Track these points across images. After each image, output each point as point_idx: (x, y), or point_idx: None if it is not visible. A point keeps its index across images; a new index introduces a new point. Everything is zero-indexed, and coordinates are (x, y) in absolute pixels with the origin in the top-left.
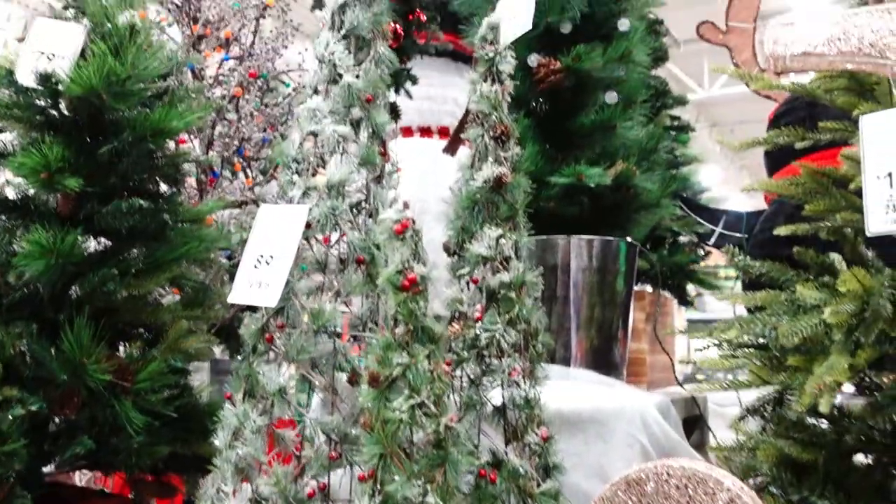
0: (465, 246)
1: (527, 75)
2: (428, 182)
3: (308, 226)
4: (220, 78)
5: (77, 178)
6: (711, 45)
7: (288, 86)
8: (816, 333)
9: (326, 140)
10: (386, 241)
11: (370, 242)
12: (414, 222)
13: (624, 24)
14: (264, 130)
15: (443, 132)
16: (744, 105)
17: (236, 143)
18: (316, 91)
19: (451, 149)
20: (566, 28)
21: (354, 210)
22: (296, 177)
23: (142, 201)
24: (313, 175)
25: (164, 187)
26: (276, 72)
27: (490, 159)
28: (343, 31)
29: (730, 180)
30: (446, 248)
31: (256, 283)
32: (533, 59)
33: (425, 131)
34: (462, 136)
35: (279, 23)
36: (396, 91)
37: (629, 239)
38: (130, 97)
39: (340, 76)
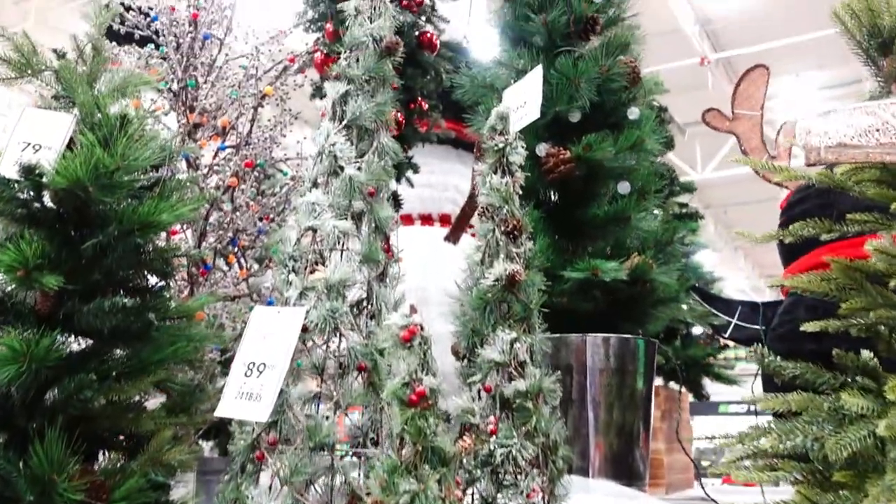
0: (475, 350)
1: (535, 165)
2: (429, 271)
3: (305, 329)
4: (216, 167)
5: (57, 275)
6: (715, 130)
7: (286, 174)
8: (867, 447)
9: (326, 236)
10: (391, 348)
11: (373, 348)
12: (423, 328)
13: (634, 113)
14: (260, 220)
15: (444, 220)
16: (736, 187)
17: (230, 234)
18: (315, 184)
19: (453, 237)
20: (575, 117)
21: (355, 310)
22: (292, 276)
23: (126, 300)
24: (311, 273)
25: (152, 280)
26: (273, 160)
27: (501, 256)
28: (345, 122)
29: (725, 261)
30: (455, 352)
31: (247, 395)
32: (542, 149)
33: (426, 219)
34: (464, 223)
35: (278, 111)
36: (398, 180)
37: (644, 336)
38: (118, 189)
39: (342, 168)
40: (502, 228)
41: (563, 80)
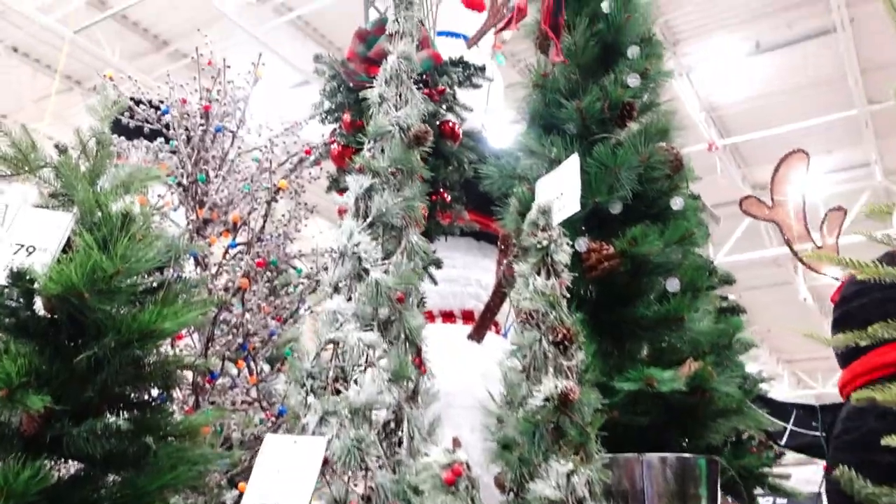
0: (524, 483)
1: (575, 261)
2: (454, 374)
3: (325, 462)
4: (225, 266)
5: (44, 393)
6: (754, 218)
7: (299, 272)
8: None
9: (350, 350)
10: (430, 490)
11: (405, 485)
12: (468, 468)
13: (678, 203)
14: (272, 320)
15: (466, 316)
16: (748, 271)
17: (240, 339)
18: (336, 289)
19: (476, 335)
20: (616, 208)
21: (382, 435)
22: (311, 398)
23: (121, 420)
24: (335, 394)
25: (153, 392)
26: (287, 256)
27: (550, 370)
28: (370, 218)
29: (755, 358)
30: (500, 485)
31: None
32: (582, 244)
33: (447, 316)
34: (489, 320)
35: (291, 204)
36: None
37: (704, 453)
38: (117, 295)
39: (367, 271)
40: (550, 338)
41: (602, 168)
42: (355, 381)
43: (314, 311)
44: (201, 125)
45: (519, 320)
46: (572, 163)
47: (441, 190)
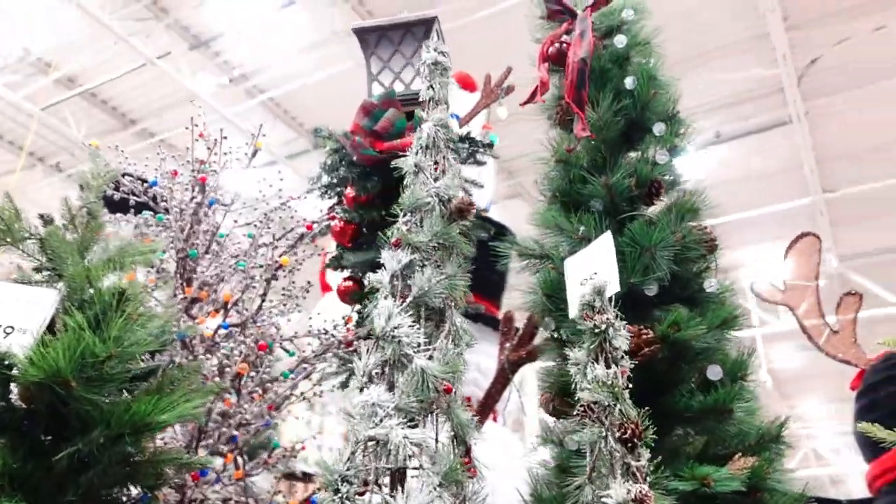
0: None
1: None
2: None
3: None
4: (213, 348)
5: (17, 499)
6: (766, 302)
7: (291, 354)
8: None
9: (393, 450)
10: None
11: None
12: None
13: (712, 285)
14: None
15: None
16: None
17: (234, 431)
18: (370, 378)
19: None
20: (652, 290)
21: None
22: None
23: None
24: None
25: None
26: (280, 339)
27: (618, 472)
28: (410, 298)
29: None
30: None
31: None
32: None
33: None
34: (491, 408)
35: (279, 284)
36: None
37: None
38: (108, 383)
39: (409, 358)
40: (617, 435)
41: (636, 248)
42: (399, 486)
43: (307, 399)
44: (194, 198)
45: (575, 413)
46: (606, 240)
47: None
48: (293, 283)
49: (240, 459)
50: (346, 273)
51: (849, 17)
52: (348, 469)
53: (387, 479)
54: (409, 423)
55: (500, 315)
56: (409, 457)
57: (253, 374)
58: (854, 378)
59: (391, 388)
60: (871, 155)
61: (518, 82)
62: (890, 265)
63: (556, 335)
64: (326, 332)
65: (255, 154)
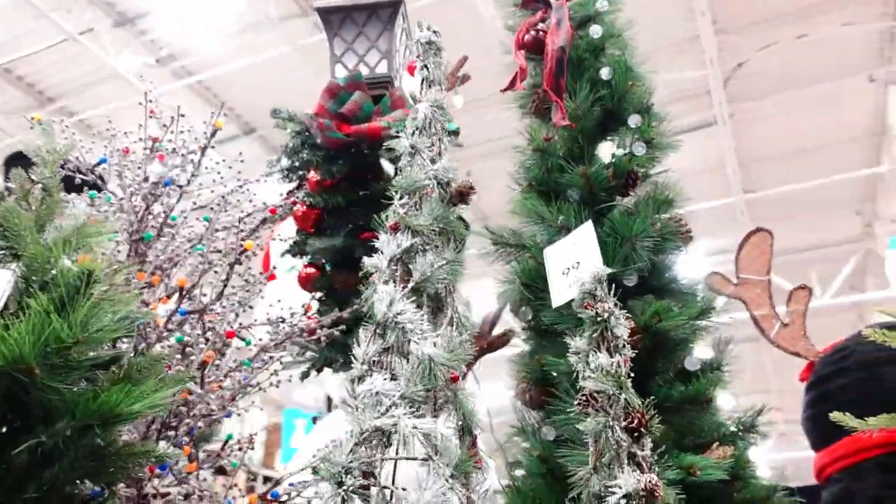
0: None
1: None
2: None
3: None
4: (166, 335)
5: None
6: (719, 295)
7: (248, 343)
8: None
9: (402, 441)
10: None
11: None
12: None
13: (685, 278)
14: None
15: None
16: None
17: (198, 422)
18: (370, 367)
19: None
20: (632, 281)
21: None
22: (355, 499)
23: None
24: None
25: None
26: (241, 328)
27: (625, 462)
28: (411, 284)
29: None
30: None
31: None
32: None
33: None
34: None
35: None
36: None
37: None
38: (74, 371)
39: (414, 346)
40: (623, 424)
41: (616, 238)
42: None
43: (264, 389)
44: (147, 177)
45: (577, 402)
46: (587, 230)
47: None
48: (250, 268)
49: (195, 452)
50: (304, 259)
51: (775, 23)
52: (351, 461)
53: (389, 471)
54: (417, 414)
55: None
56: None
57: (218, 362)
58: (803, 370)
59: (394, 376)
60: (791, 158)
61: (476, 71)
62: (805, 264)
63: (532, 324)
64: (283, 321)
65: (215, 134)
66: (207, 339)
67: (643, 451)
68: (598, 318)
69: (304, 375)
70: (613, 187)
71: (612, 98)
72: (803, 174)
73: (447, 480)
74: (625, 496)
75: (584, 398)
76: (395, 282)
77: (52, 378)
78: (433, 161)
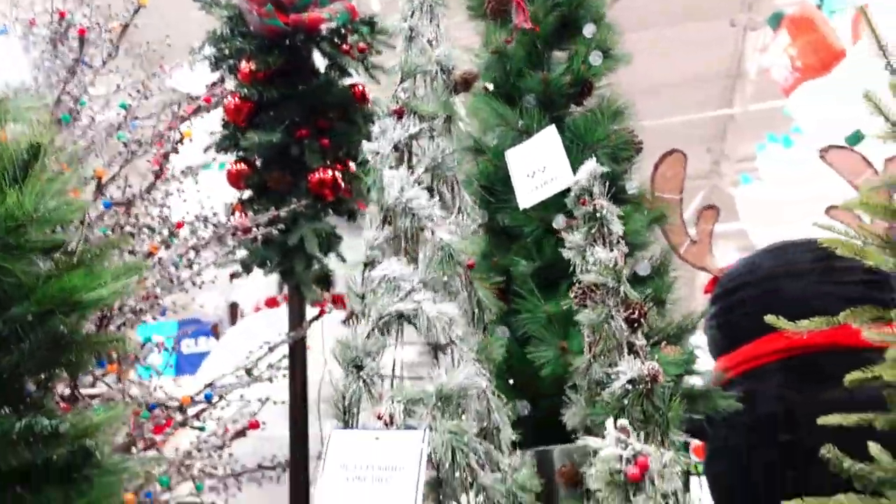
0: None
1: (547, 243)
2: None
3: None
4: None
5: None
6: None
7: (172, 240)
8: None
9: (425, 325)
10: (608, 490)
11: (514, 486)
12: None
13: (633, 187)
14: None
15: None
16: None
17: (149, 317)
18: (382, 253)
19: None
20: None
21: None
22: (380, 383)
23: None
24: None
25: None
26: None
27: (625, 351)
28: (422, 169)
29: None
30: (567, 475)
31: None
32: (560, 221)
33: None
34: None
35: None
36: (326, 253)
37: None
38: (30, 252)
39: (431, 232)
40: (624, 315)
41: (578, 144)
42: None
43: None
44: (70, 51)
45: (574, 295)
46: (551, 134)
47: (347, 160)
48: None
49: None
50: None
51: None
52: (370, 347)
53: (404, 357)
54: (437, 300)
55: None
56: (445, 330)
57: (163, 254)
58: (708, 283)
59: (408, 262)
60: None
61: None
62: None
63: (491, 225)
64: (206, 220)
65: (137, 11)
66: (152, 229)
67: (640, 341)
68: (596, 215)
69: (247, 270)
70: (570, 95)
71: (570, 4)
72: (662, 109)
73: (475, 364)
74: (629, 381)
75: (580, 291)
76: (405, 165)
77: (6, 258)
78: (433, 46)
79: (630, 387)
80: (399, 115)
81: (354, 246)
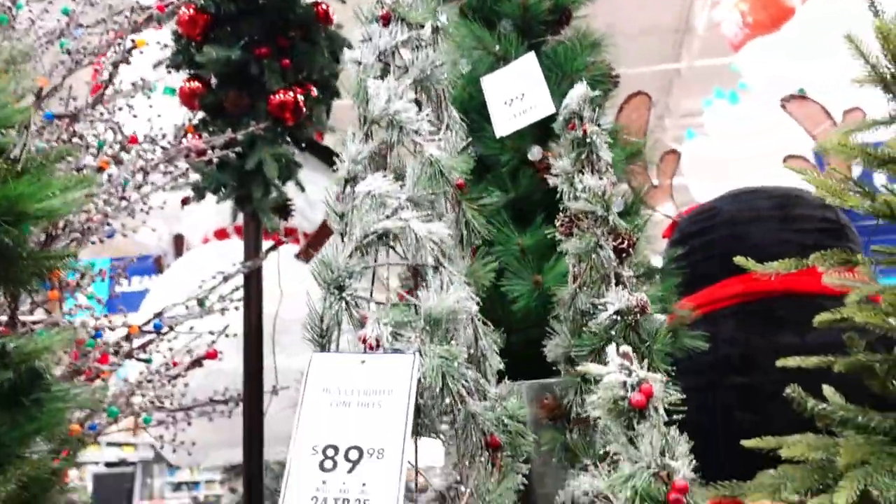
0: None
1: (523, 174)
2: (293, 298)
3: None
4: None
5: None
6: None
7: (101, 145)
8: None
9: (412, 245)
10: (610, 417)
11: (503, 413)
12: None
13: (607, 122)
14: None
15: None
16: None
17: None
18: (364, 169)
19: (305, 254)
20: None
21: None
22: (369, 304)
23: None
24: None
25: None
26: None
27: (612, 281)
28: (409, 80)
29: None
30: (549, 408)
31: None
32: (536, 152)
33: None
34: (323, 239)
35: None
36: (284, 181)
37: None
38: None
39: (418, 146)
40: (613, 244)
41: (557, 73)
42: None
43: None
44: None
45: (560, 223)
46: (530, 61)
47: (308, 84)
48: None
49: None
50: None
51: None
52: (349, 266)
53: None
54: (425, 219)
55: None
56: (433, 253)
57: (112, 171)
58: (667, 228)
59: (397, 179)
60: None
61: None
62: None
63: None
64: (154, 140)
65: None
66: (102, 143)
67: (627, 272)
68: (585, 140)
69: (200, 197)
70: (548, 23)
71: None
72: (611, 61)
73: (463, 287)
74: (617, 312)
75: (567, 219)
76: (390, 76)
77: None
78: None
79: (618, 318)
80: (385, 21)
81: (312, 179)
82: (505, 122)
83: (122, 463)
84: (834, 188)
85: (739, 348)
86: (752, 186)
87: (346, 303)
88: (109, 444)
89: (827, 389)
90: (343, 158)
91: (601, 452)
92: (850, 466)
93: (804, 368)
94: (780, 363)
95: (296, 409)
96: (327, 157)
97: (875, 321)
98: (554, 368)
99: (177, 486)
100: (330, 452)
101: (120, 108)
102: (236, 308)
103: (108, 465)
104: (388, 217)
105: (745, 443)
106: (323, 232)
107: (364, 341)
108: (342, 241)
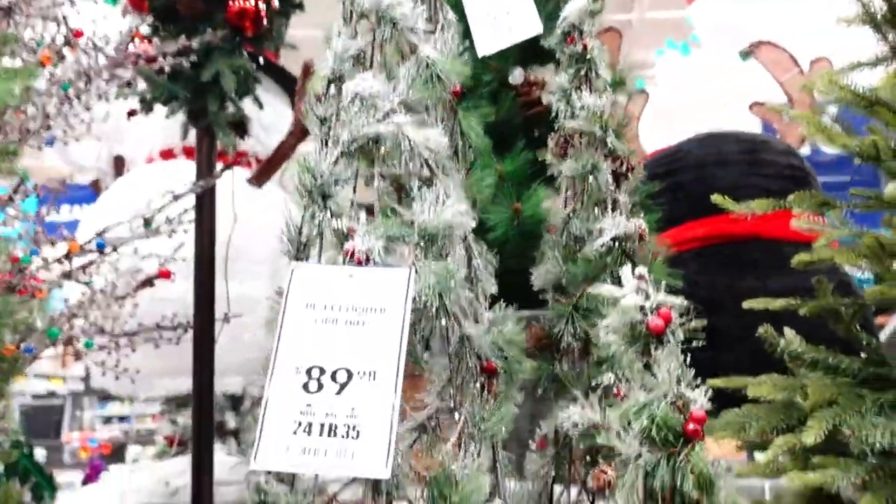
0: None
1: (505, 98)
2: (249, 222)
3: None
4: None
5: None
6: None
7: (40, 44)
8: None
9: (401, 155)
10: (624, 341)
11: (500, 338)
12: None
13: (597, 51)
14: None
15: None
16: None
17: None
18: (352, 65)
19: (258, 178)
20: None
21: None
22: (359, 215)
23: None
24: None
25: None
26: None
27: (609, 206)
28: None
29: None
30: (538, 338)
31: (327, 430)
32: (518, 76)
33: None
34: (277, 164)
35: None
36: (241, 96)
37: None
38: None
39: (412, 46)
40: (612, 167)
41: None
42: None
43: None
44: None
45: (555, 143)
46: None
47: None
48: None
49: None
50: None
51: None
52: (332, 173)
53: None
54: (418, 126)
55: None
56: (426, 165)
57: (55, 68)
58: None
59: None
60: None
61: None
62: None
63: None
64: (96, 46)
65: None
66: (42, 38)
67: (624, 197)
68: (585, 56)
69: (148, 109)
70: None
71: None
72: None
73: (458, 202)
74: (613, 238)
75: (562, 139)
76: None
77: None
78: None
79: (614, 244)
80: None
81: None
82: (488, 41)
83: (51, 395)
84: (823, 126)
85: (703, 290)
86: (719, 130)
87: (332, 212)
88: (37, 375)
89: (788, 332)
90: (326, 56)
91: (593, 384)
92: (817, 406)
93: (768, 311)
94: (746, 304)
95: (274, 327)
96: (283, 79)
97: (853, 263)
98: (540, 298)
99: (107, 420)
100: (315, 373)
101: (61, 3)
102: (185, 231)
103: (36, 397)
104: (379, 121)
105: (710, 382)
106: (278, 156)
107: (352, 255)
108: (324, 146)
